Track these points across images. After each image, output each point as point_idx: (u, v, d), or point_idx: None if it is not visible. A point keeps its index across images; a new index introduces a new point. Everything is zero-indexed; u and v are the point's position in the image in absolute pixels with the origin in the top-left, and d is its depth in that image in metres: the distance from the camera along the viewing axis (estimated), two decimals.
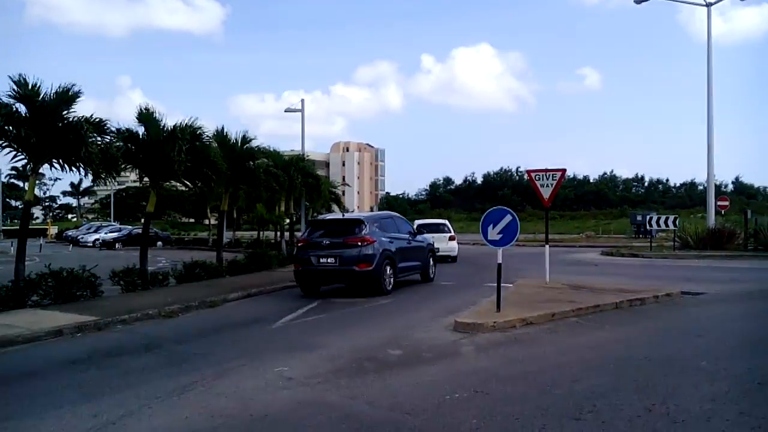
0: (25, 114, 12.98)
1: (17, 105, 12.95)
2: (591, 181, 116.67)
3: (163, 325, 11.48)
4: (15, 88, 12.83)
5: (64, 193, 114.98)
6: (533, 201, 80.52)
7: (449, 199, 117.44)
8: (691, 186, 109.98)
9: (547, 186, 14.91)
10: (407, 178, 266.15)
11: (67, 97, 13.29)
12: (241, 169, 21.41)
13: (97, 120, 13.92)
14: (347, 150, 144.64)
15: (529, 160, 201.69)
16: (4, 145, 13.02)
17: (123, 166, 16.19)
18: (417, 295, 14.90)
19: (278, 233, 33.94)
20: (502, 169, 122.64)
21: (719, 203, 33.86)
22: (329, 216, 19.10)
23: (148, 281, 16.00)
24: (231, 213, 41.98)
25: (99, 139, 14.06)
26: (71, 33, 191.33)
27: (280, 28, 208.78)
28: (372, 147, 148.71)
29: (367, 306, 13.11)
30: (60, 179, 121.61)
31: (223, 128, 21.30)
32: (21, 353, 9.35)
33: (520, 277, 16.52)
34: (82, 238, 51.78)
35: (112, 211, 78.21)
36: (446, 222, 28.23)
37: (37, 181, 14.40)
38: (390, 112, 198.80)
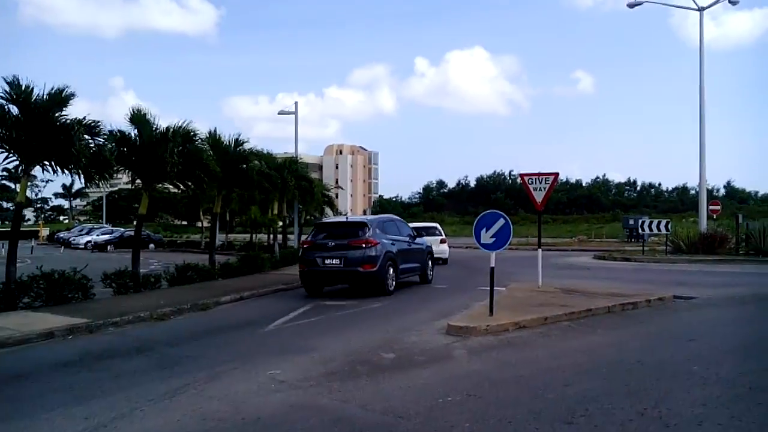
0: (17, 115, 12.93)
1: (9, 106, 12.90)
2: (584, 185, 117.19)
3: (155, 327, 11.44)
4: (7, 89, 12.78)
5: (56, 195, 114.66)
6: (526, 205, 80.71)
7: (442, 203, 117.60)
8: (683, 190, 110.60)
9: (540, 190, 14.94)
10: (401, 181, 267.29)
11: (60, 98, 13.26)
12: (234, 171, 21.39)
13: (90, 122, 13.87)
14: (341, 153, 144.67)
15: (523, 164, 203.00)
16: None
17: (116, 168, 16.11)
18: (410, 298, 14.90)
19: (271, 236, 33.88)
20: (495, 172, 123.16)
21: (711, 208, 34.04)
22: (333, 219, 19.38)
23: (140, 284, 15.95)
24: (224, 215, 41.88)
25: (91, 141, 14.01)
26: (65, 34, 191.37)
27: (274, 31, 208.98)
28: (365, 150, 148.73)
29: (360, 309, 13.10)
30: (52, 181, 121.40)
31: (216, 130, 21.30)
32: (12, 355, 9.29)
33: (513, 281, 16.55)
34: (74, 240, 51.56)
35: (104, 213, 77.88)
36: (437, 225, 28.38)
37: (29, 183, 14.33)
38: (384, 115, 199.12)
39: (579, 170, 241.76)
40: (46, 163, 13.62)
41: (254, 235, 40.49)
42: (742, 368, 7.48)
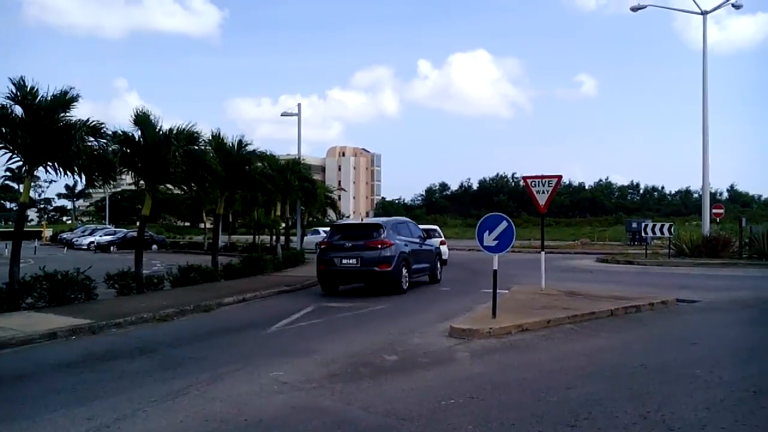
0: (22, 116, 12.95)
1: (14, 107, 12.93)
2: (586, 188, 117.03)
3: (158, 328, 11.45)
4: (13, 90, 12.81)
5: (59, 196, 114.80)
6: (529, 207, 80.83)
7: (445, 205, 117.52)
8: (686, 194, 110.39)
9: (543, 192, 14.94)
10: (403, 184, 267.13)
11: (64, 100, 13.29)
12: (237, 172, 21.40)
13: (94, 123, 13.89)
14: (343, 155, 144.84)
15: (525, 167, 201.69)
16: None
17: (119, 170, 16.13)
18: (412, 300, 14.89)
19: (274, 237, 33.90)
20: (498, 175, 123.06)
21: (714, 211, 33.97)
22: (349, 221, 19.84)
23: (143, 285, 15.96)
24: (227, 217, 41.91)
25: (95, 142, 14.04)
26: (68, 35, 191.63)
27: (277, 32, 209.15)
28: (368, 152, 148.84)
29: (362, 311, 13.10)
30: (55, 181, 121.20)
31: (219, 132, 21.33)
32: (15, 356, 9.29)
33: (516, 284, 16.54)
34: (77, 240, 51.60)
35: (107, 214, 77.93)
36: (437, 228, 28.71)
37: (32, 184, 14.37)
38: (386, 117, 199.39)
39: (582, 173, 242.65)
40: (49, 164, 13.64)
41: (257, 237, 40.51)
42: (746, 372, 7.47)
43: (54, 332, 10.45)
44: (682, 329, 10.89)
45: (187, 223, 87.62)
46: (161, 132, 16.70)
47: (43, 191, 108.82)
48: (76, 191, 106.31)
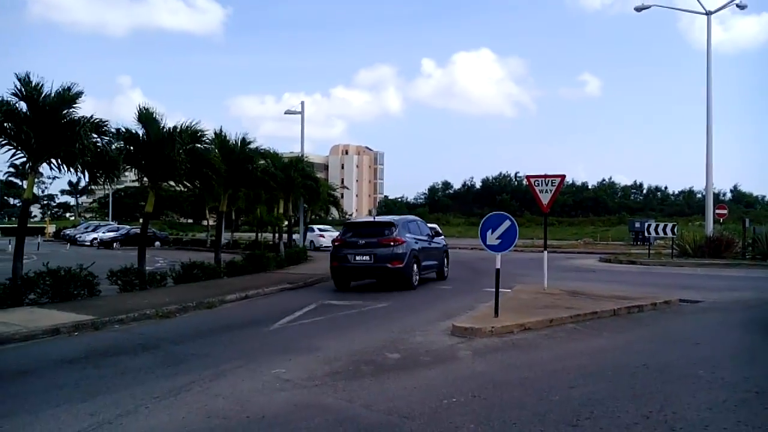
0: (26, 112, 12.97)
1: (19, 103, 12.95)
2: (590, 187, 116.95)
3: (161, 325, 11.46)
4: (18, 86, 12.82)
5: (63, 192, 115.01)
6: (532, 206, 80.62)
7: (448, 204, 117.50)
8: (689, 194, 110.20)
9: (546, 192, 14.91)
10: (406, 182, 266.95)
11: (68, 96, 13.31)
12: (241, 170, 21.41)
13: (97, 120, 13.91)
14: (346, 153, 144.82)
15: (528, 166, 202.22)
16: (3, 142, 13.02)
17: (122, 167, 16.14)
18: (415, 298, 14.89)
19: (277, 235, 33.93)
20: (501, 174, 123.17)
21: (717, 211, 33.86)
22: (362, 218, 20.23)
23: (146, 281, 15.99)
24: (229, 214, 41.94)
25: (98, 139, 14.05)
26: (72, 32, 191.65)
27: (280, 30, 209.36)
28: (371, 150, 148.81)
29: (364, 309, 13.10)
30: (58, 178, 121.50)
31: (222, 130, 21.34)
32: (17, 351, 9.32)
33: (519, 283, 16.53)
34: (80, 237, 51.71)
35: (110, 211, 78.10)
36: (436, 226, 28.75)
37: (36, 180, 14.39)
38: (390, 116, 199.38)
39: (585, 173, 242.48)
40: (53, 160, 13.66)
41: (260, 234, 40.55)
42: (748, 372, 7.45)
43: (57, 328, 10.48)
44: (684, 329, 10.87)
45: (190, 220, 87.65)
46: (165, 129, 16.72)
47: (46, 187, 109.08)
48: (80, 188, 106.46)
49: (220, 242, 23.37)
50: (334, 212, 51.94)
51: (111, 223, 62.18)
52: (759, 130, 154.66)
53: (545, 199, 14.93)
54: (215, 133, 20.82)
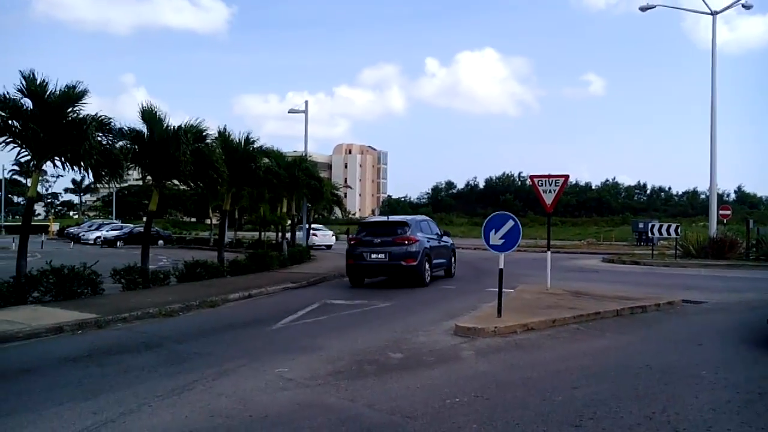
0: (31, 110, 12.99)
1: (23, 100, 12.97)
2: (593, 187, 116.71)
3: (164, 324, 11.48)
4: (24, 83, 12.84)
5: (66, 190, 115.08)
6: (535, 206, 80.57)
7: (451, 203, 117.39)
8: (693, 194, 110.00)
9: (550, 192, 14.90)
10: (409, 182, 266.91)
11: (74, 94, 13.31)
12: (244, 169, 21.41)
13: (102, 118, 13.92)
14: (350, 152, 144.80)
15: (532, 166, 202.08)
16: (8, 140, 13.04)
17: (126, 165, 16.15)
18: (417, 298, 14.89)
19: (280, 234, 33.94)
20: (504, 174, 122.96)
21: (721, 212, 33.83)
22: (376, 218, 20.97)
23: (149, 280, 16.01)
24: (233, 213, 41.94)
25: (103, 137, 14.07)
26: (76, 30, 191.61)
27: (284, 29, 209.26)
28: (375, 149, 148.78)
29: (367, 309, 13.11)
30: (62, 176, 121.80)
31: (225, 128, 21.36)
32: (21, 349, 9.35)
33: (522, 283, 16.51)
34: (84, 235, 51.76)
35: (114, 209, 78.25)
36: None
37: (40, 178, 14.39)
38: (393, 115, 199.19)
39: (589, 173, 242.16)
40: (57, 158, 13.67)
41: (263, 233, 40.55)
42: (752, 373, 7.44)
43: (60, 326, 10.51)
44: (688, 330, 10.85)
45: (194, 219, 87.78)
46: (169, 128, 16.72)
47: (50, 186, 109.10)
48: (83, 186, 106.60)
49: (223, 241, 23.41)
50: (338, 212, 51.90)
51: (115, 221, 62.30)
52: (763, 130, 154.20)
53: (549, 199, 14.91)
54: (219, 132, 20.84)
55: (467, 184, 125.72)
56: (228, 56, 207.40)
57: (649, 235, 31.16)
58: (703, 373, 7.37)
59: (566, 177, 15.13)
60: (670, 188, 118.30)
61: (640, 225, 44.63)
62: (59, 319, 10.90)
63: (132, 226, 53.74)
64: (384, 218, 20.28)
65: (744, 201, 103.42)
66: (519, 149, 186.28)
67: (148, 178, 17.74)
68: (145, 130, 16.60)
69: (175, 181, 19.80)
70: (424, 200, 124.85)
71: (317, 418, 5.82)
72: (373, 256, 17.11)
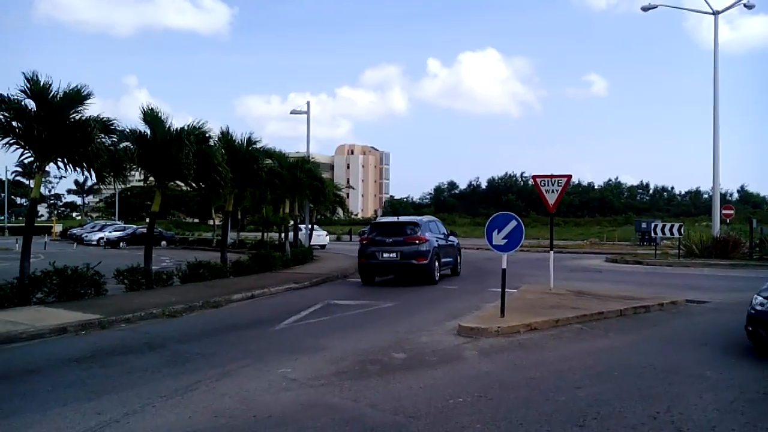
0: (35, 111, 13.00)
1: (27, 101, 12.99)
2: (596, 187, 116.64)
3: (167, 324, 11.49)
4: (27, 84, 12.86)
5: (69, 191, 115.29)
6: (537, 207, 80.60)
7: (453, 204, 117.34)
8: (696, 194, 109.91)
9: (553, 192, 14.90)
10: (412, 182, 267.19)
11: (78, 96, 13.32)
12: (246, 170, 21.39)
13: (104, 119, 13.94)
14: (352, 153, 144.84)
15: (534, 166, 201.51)
16: (11, 141, 13.06)
17: (129, 166, 16.16)
18: (420, 298, 14.89)
19: (282, 234, 33.96)
20: (506, 174, 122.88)
21: (724, 212, 33.77)
22: (387, 219, 21.39)
23: (152, 280, 16.03)
24: (235, 214, 41.98)
25: (106, 139, 14.09)
26: (78, 31, 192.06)
27: (286, 30, 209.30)
28: (377, 150, 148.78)
29: (370, 309, 13.11)
30: (65, 177, 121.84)
31: (228, 130, 21.32)
32: (25, 350, 9.36)
33: (524, 283, 16.51)
34: (87, 236, 51.75)
35: (117, 210, 78.33)
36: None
37: (42, 179, 14.39)
38: (395, 116, 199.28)
39: (591, 173, 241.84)
40: (59, 159, 13.69)
41: (266, 234, 40.55)
42: (756, 373, 7.43)
43: (64, 327, 10.52)
44: (691, 330, 10.83)
45: (196, 220, 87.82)
46: (172, 130, 16.73)
47: (53, 187, 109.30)
48: (86, 187, 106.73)
49: (226, 242, 23.41)
50: (340, 212, 51.89)
51: (117, 222, 62.33)
52: (766, 129, 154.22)
53: (551, 199, 14.91)
54: (222, 133, 20.83)
55: (470, 185, 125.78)
56: (230, 57, 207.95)
57: (652, 234, 31.12)
58: (707, 373, 7.36)
59: (569, 177, 15.13)
60: (672, 188, 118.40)
61: (643, 225, 44.57)
62: (63, 320, 10.92)
63: (135, 227, 53.72)
64: (395, 219, 20.71)
65: (747, 200, 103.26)
66: (521, 149, 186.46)
67: (151, 179, 17.75)
68: (147, 131, 16.61)
69: (178, 182, 19.79)
70: (427, 200, 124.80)
71: (321, 418, 5.82)
72: (385, 255, 17.62)
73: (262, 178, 22.32)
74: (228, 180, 18.90)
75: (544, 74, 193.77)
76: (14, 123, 12.94)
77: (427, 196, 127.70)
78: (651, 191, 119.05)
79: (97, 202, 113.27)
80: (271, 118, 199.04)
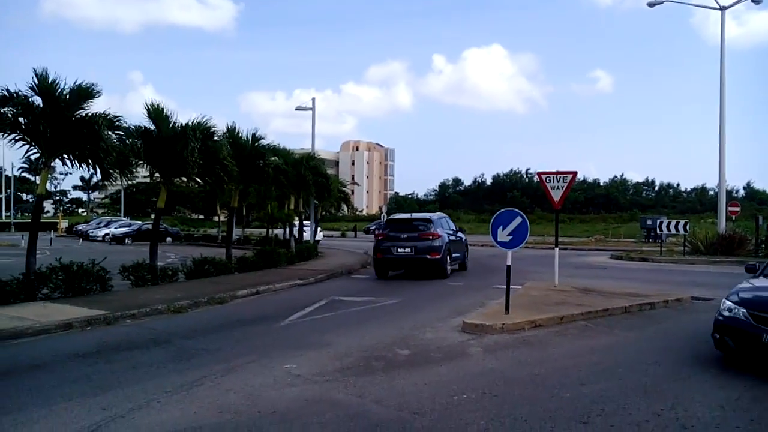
0: (42, 107, 13.03)
1: (34, 98, 13.02)
2: (601, 184, 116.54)
3: (172, 320, 11.52)
4: (36, 81, 12.89)
5: (75, 188, 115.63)
6: (542, 203, 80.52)
7: (458, 200, 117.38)
8: (701, 191, 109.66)
9: (558, 188, 14.87)
10: (416, 178, 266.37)
11: (85, 93, 13.34)
12: (252, 167, 21.44)
13: (110, 116, 13.96)
14: (357, 149, 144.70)
15: (539, 162, 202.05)
16: (17, 138, 13.10)
17: (134, 162, 16.20)
18: (425, 295, 14.89)
19: (287, 231, 34.00)
20: (511, 170, 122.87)
21: (730, 209, 33.64)
22: (401, 215, 21.86)
23: (158, 276, 16.07)
24: (240, 210, 41.98)
25: (113, 135, 14.12)
26: (84, 28, 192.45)
27: (291, 26, 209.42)
28: (382, 146, 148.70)
29: (375, 305, 13.12)
30: (71, 173, 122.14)
31: (235, 126, 21.37)
32: (31, 345, 9.38)
33: (529, 280, 16.49)
34: (92, 232, 51.91)
35: (122, 206, 78.52)
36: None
37: (49, 176, 14.43)
38: (400, 112, 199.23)
39: (596, 169, 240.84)
40: (66, 156, 13.72)
41: (271, 230, 40.61)
42: (760, 371, 7.40)
43: (69, 322, 10.55)
44: (696, 327, 10.78)
45: (202, 216, 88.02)
46: (177, 125, 16.77)
47: (59, 183, 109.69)
48: (92, 183, 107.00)
49: (231, 238, 23.44)
50: (345, 209, 51.87)
51: (123, 218, 62.46)
52: None
53: (557, 195, 14.89)
54: (228, 129, 20.89)
55: (474, 181, 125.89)
56: (235, 54, 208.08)
57: (658, 231, 31.03)
58: (712, 370, 7.36)
59: (574, 173, 15.10)
60: (678, 185, 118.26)
61: (649, 222, 44.49)
62: (68, 316, 10.95)
63: (140, 223, 53.81)
64: (408, 215, 21.19)
65: (753, 197, 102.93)
66: (526, 146, 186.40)
67: (156, 175, 17.79)
68: (152, 127, 16.65)
69: (184, 179, 19.84)
70: (432, 197, 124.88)
71: (325, 413, 5.83)
72: (400, 250, 18.36)
73: (268, 174, 22.36)
74: (234, 174, 18.94)
75: (550, 70, 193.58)
76: (21, 119, 12.99)
77: (432, 193, 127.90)
78: (656, 188, 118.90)
79: (103, 199, 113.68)
80: (276, 115, 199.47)
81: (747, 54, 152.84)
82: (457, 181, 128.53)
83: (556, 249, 16.26)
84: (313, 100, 34.17)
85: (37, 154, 13.53)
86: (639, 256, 28.24)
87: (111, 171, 14.66)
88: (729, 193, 62.56)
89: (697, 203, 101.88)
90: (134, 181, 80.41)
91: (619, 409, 5.83)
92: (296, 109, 35.69)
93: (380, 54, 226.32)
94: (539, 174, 15.82)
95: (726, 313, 7.64)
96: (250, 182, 23.53)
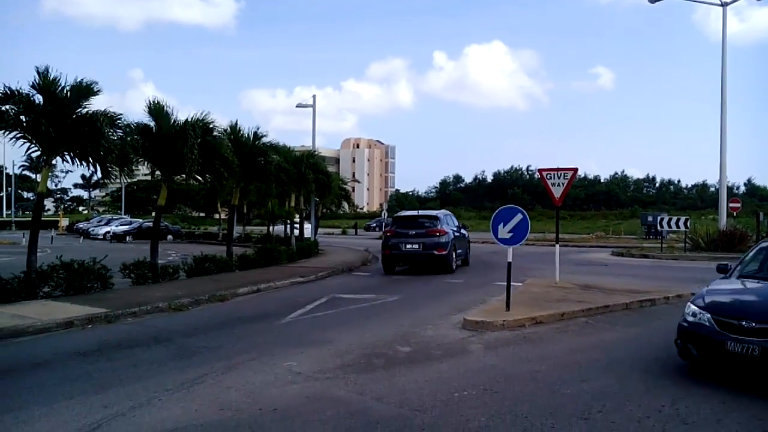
0: (43, 105, 13.02)
1: (35, 96, 13.01)
2: (602, 181, 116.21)
3: (173, 318, 11.53)
4: (38, 79, 12.88)
5: (76, 186, 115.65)
6: (543, 200, 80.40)
7: (459, 197, 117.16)
8: (702, 187, 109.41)
9: (559, 185, 14.87)
10: (417, 176, 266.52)
11: (86, 91, 13.34)
12: (253, 164, 21.44)
13: (111, 114, 13.95)
14: (358, 146, 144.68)
15: (540, 159, 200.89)
16: (18, 136, 13.09)
17: (135, 160, 16.18)
18: (426, 292, 14.90)
19: (288, 228, 34.00)
20: (512, 167, 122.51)
21: (731, 205, 33.60)
22: (408, 213, 22.51)
23: (159, 274, 16.07)
24: (241, 208, 41.93)
25: (114, 133, 14.12)
26: (85, 26, 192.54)
27: (292, 24, 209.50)
28: (382, 144, 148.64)
29: (376, 302, 13.12)
30: (71, 171, 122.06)
31: (236, 123, 21.36)
32: (32, 344, 9.40)
33: (530, 277, 16.48)
34: (93, 230, 51.93)
35: (123, 204, 78.50)
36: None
37: (49, 174, 14.43)
38: (401, 109, 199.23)
39: (597, 166, 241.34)
40: (66, 154, 13.72)
41: (271, 228, 40.62)
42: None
43: (70, 321, 10.56)
44: None
45: (202, 214, 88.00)
46: (177, 123, 16.76)
47: (59, 181, 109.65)
48: (92, 181, 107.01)
49: (232, 236, 23.45)
50: (346, 206, 51.86)
51: (124, 216, 62.43)
52: None
53: (557, 192, 14.88)
54: (230, 127, 20.90)
55: (475, 178, 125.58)
56: (236, 51, 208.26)
57: (659, 228, 31.03)
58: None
59: (575, 170, 15.10)
60: (679, 181, 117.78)
61: (649, 218, 44.46)
62: (69, 314, 10.96)
63: (141, 221, 53.78)
64: (415, 212, 21.79)
65: (754, 193, 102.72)
66: (527, 143, 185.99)
67: (157, 173, 17.79)
68: (152, 124, 16.64)
69: (184, 176, 19.83)
70: (433, 194, 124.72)
71: (326, 411, 5.84)
72: (408, 246, 18.83)
73: (269, 171, 22.35)
74: (235, 169, 18.94)
75: (551, 67, 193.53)
76: (22, 117, 12.99)
77: (433, 190, 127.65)
78: (657, 184, 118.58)
79: (104, 197, 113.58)
80: (277, 112, 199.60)
81: (748, 50, 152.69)
82: (457, 178, 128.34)
83: (557, 246, 16.26)
84: (314, 97, 34.13)
85: (38, 152, 13.54)
86: (640, 253, 28.22)
87: (112, 169, 14.65)
88: (730, 189, 62.48)
89: (698, 200, 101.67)
90: (135, 179, 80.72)
91: (620, 405, 5.83)
92: (297, 107, 35.61)
93: (381, 51, 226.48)
94: (540, 171, 15.82)
95: (690, 319, 7.06)
96: (251, 180, 23.53)
